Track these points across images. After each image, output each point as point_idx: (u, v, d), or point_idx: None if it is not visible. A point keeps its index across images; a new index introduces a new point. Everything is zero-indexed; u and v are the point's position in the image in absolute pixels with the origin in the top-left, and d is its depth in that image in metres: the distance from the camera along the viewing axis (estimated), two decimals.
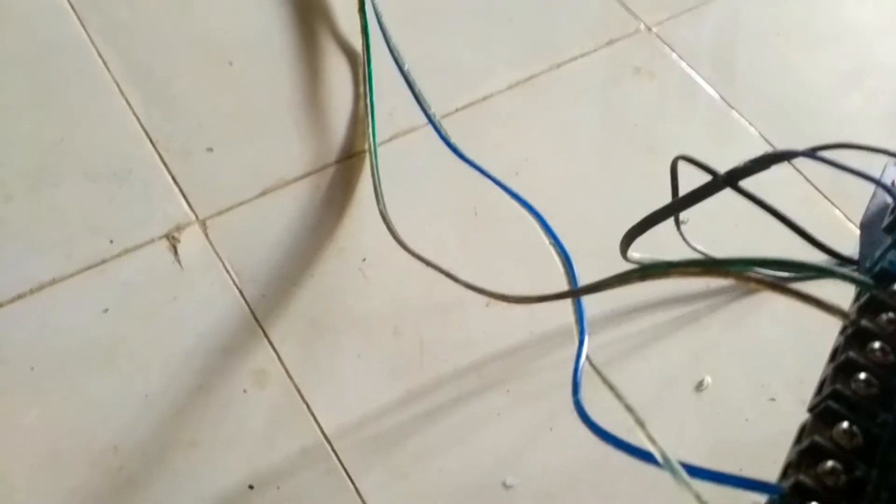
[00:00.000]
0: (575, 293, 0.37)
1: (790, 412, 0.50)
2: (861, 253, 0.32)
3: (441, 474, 0.46)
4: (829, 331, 0.52)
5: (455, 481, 0.46)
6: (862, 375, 0.24)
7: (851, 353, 0.25)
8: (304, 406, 0.48)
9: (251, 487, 0.45)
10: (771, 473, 0.49)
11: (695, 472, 0.23)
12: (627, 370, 0.52)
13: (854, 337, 0.26)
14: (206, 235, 0.54)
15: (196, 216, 0.54)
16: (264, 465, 0.45)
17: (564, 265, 0.41)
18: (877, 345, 0.25)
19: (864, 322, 0.26)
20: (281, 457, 0.46)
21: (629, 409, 0.28)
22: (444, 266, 0.50)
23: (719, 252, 0.53)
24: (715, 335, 0.53)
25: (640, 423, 0.26)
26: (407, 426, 0.48)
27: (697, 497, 0.22)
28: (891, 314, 0.26)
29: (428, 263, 0.48)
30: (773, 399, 0.51)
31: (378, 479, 0.46)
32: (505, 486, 0.46)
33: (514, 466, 0.47)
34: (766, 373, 0.52)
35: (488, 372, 0.50)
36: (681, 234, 0.49)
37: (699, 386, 0.51)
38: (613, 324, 0.53)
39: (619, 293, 0.56)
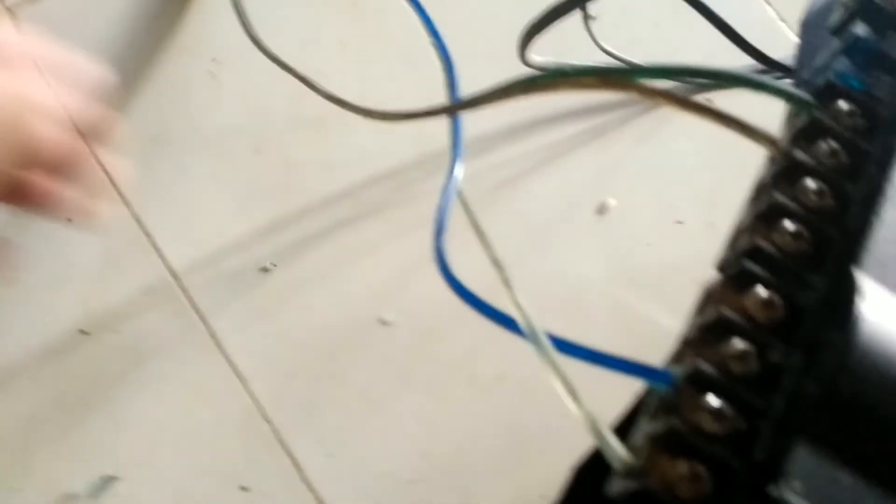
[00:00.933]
0: (448, 109, 0.30)
1: (698, 236, 0.46)
2: (799, 59, 0.26)
3: (310, 312, 0.41)
4: (749, 146, 0.47)
5: (326, 319, 0.41)
6: (790, 225, 0.19)
7: (778, 196, 0.19)
8: (146, 238, 0.41)
9: (84, 332, 0.38)
10: (669, 303, 0.46)
11: (566, 347, 0.18)
12: (525, 191, 0.46)
13: (783, 173, 0.20)
14: (17, 25, 0.43)
15: (3, 4, 0.43)
16: (100, 307, 0.39)
17: (446, 72, 0.34)
18: (812, 184, 0.19)
19: (797, 153, 0.20)
20: (120, 297, 0.39)
21: (497, 264, 0.22)
22: (314, 69, 0.41)
23: (636, 56, 0.46)
24: (622, 151, 0.47)
25: (507, 284, 0.20)
26: (268, 260, 0.41)
27: (563, 380, 0.17)
28: (832, 142, 0.20)
29: (284, 67, 0.39)
30: (680, 222, 0.46)
31: (236, 318, 0.40)
32: (382, 322, 0.41)
33: (393, 301, 0.42)
34: (675, 193, 0.47)
35: (365, 197, 0.44)
36: (589, 32, 0.42)
37: (601, 208, 0.46)
38: (511, 139, 0.47)
39: (518, 104, 0.49)
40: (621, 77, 0.21)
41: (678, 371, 0.17)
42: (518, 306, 0.19)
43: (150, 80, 0.43)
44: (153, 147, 0.42)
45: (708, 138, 0.49)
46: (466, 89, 0.34)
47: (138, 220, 0.41)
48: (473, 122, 0.47)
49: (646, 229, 0.46)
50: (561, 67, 0.23)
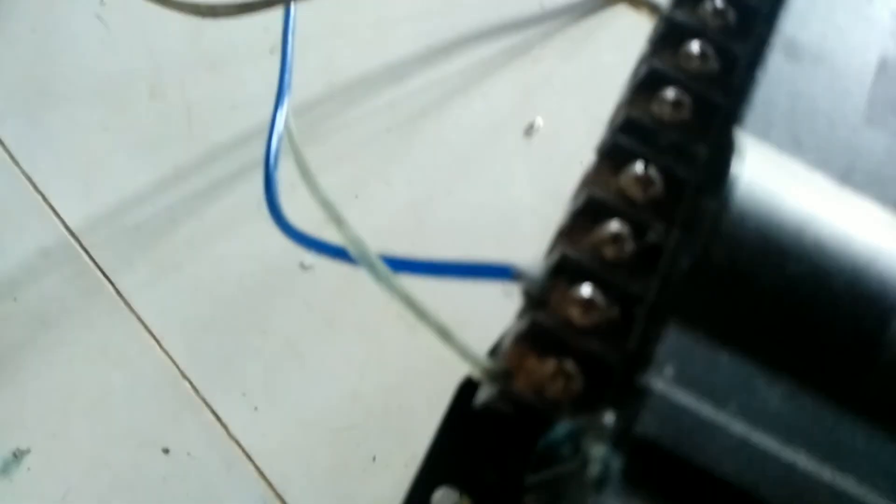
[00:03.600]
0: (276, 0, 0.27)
1: None
2: None
3: (223, 260, 0.38)
4: None
5: (242, 268, 0.39)
6: (669, 93, 0.17)
7: (656, 62, 0.17)
8: (39, 197, 0.38)
9: None
10: None
11: (401, 266, 0.16)
12: (448, 117, 0.43)
13: (663, 38, 0.18)
14: None
15: None
16: None
17: None
18: (695, 46, 0.17)
19: (678, 15, 0.18)
20: (15, 263, 0.37)
21: (326, 205, 0.20)
22: None
23: None
24: (547, 68, 0.45)
25: (338, 222, 0.18)
26: (176, 210, 0.39)
27: (404, 298, 0.15)
28: (718, 1, 0.18)
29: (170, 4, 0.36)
30: None
31: (143, 275, 0.37)
32: (303, 266, 0.39)
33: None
34: (605, 107, 0.44)
35: None
36: None
37: (529, 129, 0.44)
38: (429, 63, 0.44)
39: (434, 25, 0.47)
40: None
41: (543, 262, 0.15)
42: (352, 240, 0.17)
43: (31, 29, 0.40)
44: (40, 100, 0.39)
45: (635, 49, 0.46)
46: None
47: (29, 179, 0.38)
48: (386, 47, 0.44)
49: (577, 147, 0.44)
50: None
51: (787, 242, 0.13)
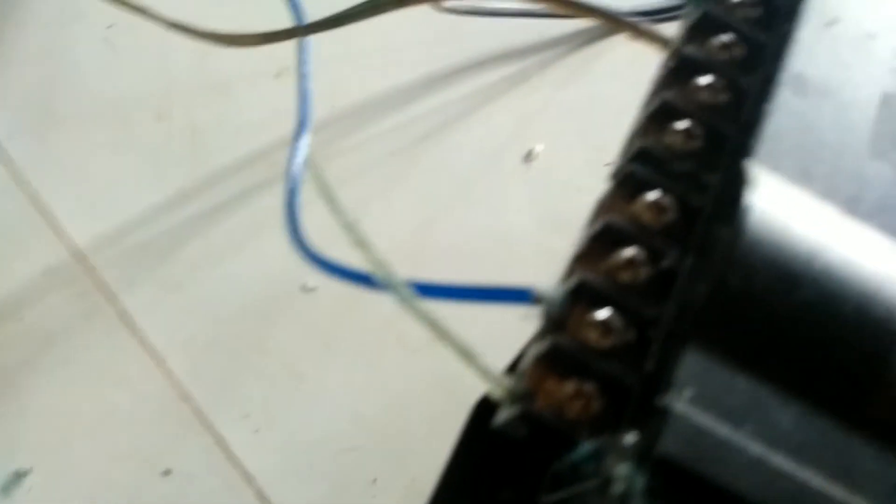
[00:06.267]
0: (297, 31, 0.28)
1: None
2: None
3: (225, 282, 0.39)
4: None
5: (244, 290, 0.39)
6: (681, 124, 0.17)
7: (668, 95, 0.18)
8: (45, 216, 0.38)
9: None
10: None
11: (423, 289, 0.16)
12: (449, 142, 0.44)
13: (675, 72, 0.18)
14: None
15: None
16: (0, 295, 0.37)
17: None
18: (704, 80, 0.18)
19: (688, 49, 0.18)
20: (20, 281, 0.37)
21: (350, 228, 0.20)
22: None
23: None
24: (546, 96, 0.46)
25: (363, 245, 0.18)
26: (180, 231, 0.39)
27: (428, 320, 0.15)
28: (726, 36, 0.19)
29: (181, 28, 0.37)
30: (608, 164, 0.45)
31: (146, 294, 0.38)
32: (305, 288, 0.39)
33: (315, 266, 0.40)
34: (602, 134, 0.45)
35: (280, 159, 0.41)
36: None
37: (528, 155, 0.44)
38: (431, 90, 0.45)
39: (436, 53, 0.47)
40: None
41: (560, 287, 0.16)
42: (377, 263, 0.18)
43: (41, 48, 0.41)
44: (47, 120, 0.40)
45: (632, 78, 0.47)
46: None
47: (34, 198, 0.38)
48: (389, 74, 0.45)
49: (575, 173, 0.44)
50: None
51: (798, 269, 0.14)
